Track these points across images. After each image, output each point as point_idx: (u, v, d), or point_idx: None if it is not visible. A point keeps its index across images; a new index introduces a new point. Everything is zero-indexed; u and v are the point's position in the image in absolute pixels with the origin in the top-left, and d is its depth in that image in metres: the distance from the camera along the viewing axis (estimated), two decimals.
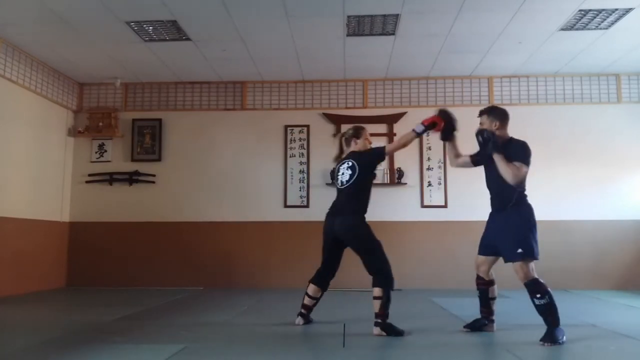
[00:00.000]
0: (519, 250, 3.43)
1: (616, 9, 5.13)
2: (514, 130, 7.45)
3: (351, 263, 7.05)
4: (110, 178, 7.17)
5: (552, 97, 7.08)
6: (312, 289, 4.09)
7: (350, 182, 3.86)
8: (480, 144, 3.78)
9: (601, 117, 6.98)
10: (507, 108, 7.39)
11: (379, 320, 3.64)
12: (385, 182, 7.00)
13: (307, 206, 7.07)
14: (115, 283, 6.89)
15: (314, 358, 3.12)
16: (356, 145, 4.01)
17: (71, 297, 6.13)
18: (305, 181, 7.09)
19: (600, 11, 5.18)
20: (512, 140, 3.78)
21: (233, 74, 7.06)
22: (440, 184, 7.01)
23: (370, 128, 7.18)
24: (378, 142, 7.16)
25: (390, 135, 7.10)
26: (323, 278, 4.10)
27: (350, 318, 4.39)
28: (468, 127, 7.43)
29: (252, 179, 7.16)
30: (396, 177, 7.01)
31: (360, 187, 3.88)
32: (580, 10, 5.16)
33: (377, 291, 3.69)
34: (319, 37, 5.82)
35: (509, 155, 3.64)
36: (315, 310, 4.23)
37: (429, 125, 3.89)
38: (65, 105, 7.11)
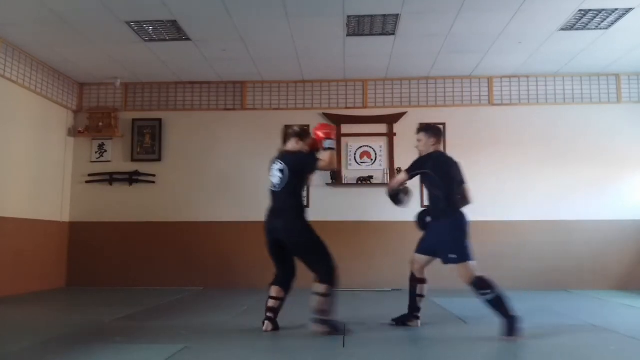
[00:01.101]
0: (453, 256, 3.70)
1: (616, 9, 5.13)
2: (514, 130, 7.54)
3: (351, 263, 7.06)
4: (110, 178, 7.17)
5: (552, 97, 7.08)
6: (274, 290, 3.88)
7: (282, 185, 3.78)
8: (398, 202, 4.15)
9: (601, 117, 6.98)
10: (507, 108, 7.49)
11: (320, 317, 3.64)
12: (385, 182, 6.98)
13: (307, 206, 7.05)
14: (115, 283, 6.90)
15: (314, 358, 3.12)
16: (296, 146, 3.89)
17: (71, 297, 6.13)
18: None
19: (600, 11, 5.18)
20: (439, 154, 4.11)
21: (233, 74, 7.06)
22: None
23: (370, 128, 7.26)
24: (379, 142, 7.23)
25: (390, 135, 7.11)
26: (283, 280, 3.89)
27: (350, 318, 4.39)
28: (468, 127, 7.49)
29: (252, 179, 7.15)
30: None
31: (294, 187, 3.80)
32: (580, 10, 5.16)
33: (322, 288, 3.64)
34: (319, 37, 5.82)
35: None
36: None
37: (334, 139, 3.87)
38: (65, 105, 7.11)
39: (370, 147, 7.13)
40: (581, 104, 7.04)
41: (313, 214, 6.97)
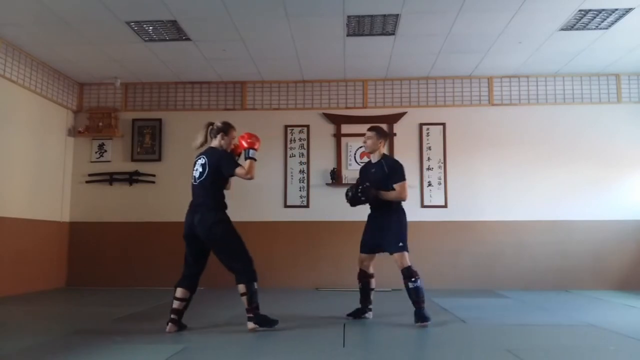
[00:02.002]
0: (400, 244, 4.15)
1: (616, 9, 5.13)
2: (514, 130, 7.54)
3: (351, 263, 7.05)
4: (110, 178, 7.17)
5: (552, 97, 7.08)
6: (180, 292, 3.85)
7: (201, 179, 3.80)
8: (360, 199, 4.26)
9: (601, 117, 6.98)
10: (507, 108, 7.49)
11: (251, 315, 3.73)
12: None
13: (307, 206, 7.07)
14: (115, 283, 6.90)
15: (314, 358, 3.12)
16: (221, 141, 3.91)
17: (71, 297, 6.13)
18: (305, 181, 7.09)
19: (600, 11, 5.18)
20: (385, 156, 4.40)
21: (233, 74, 7.06)
22: (440, 184, 7.01)
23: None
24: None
25: (390, 135, 7.10)
26: (190, 280, 3.86)
27: (351, 318, 4.39)
28: (468, 127, 7.48)
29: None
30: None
31: (212, 183, 3.81)
32: (580, 10, 5.16)
33: (242, 287, 3.71)
34: (319, 37, 5.82)
35: (387, 176, 4.23)
36: (316, 310, 4.22)
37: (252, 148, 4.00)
38: (65, 105, 7.11)
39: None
40: (581, 104, 7.04)
41: (313, 214, 7.04)
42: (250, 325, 3.72)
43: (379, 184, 4.21)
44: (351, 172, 7.03)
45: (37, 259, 6.42)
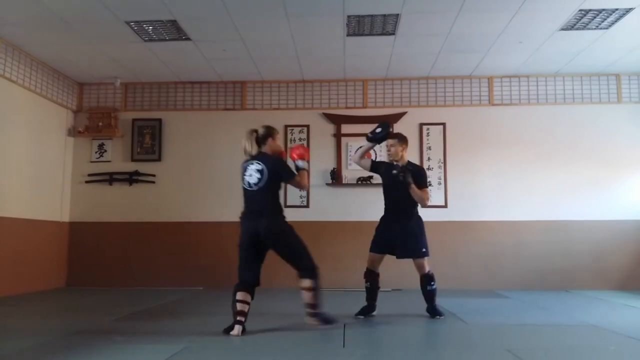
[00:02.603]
0: (423, 250, 4.43)
1: (616, 9, 5.13)
2: (514, 130, 7.53)
3: (351, 263, 7.04)
4: (110, 178, 7.17)
5: (552, 97, 7.08)
6: (241, 294, 3.77)
7: (260, 185, 3.81)
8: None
9: (601, 117, 6.98)
10: (507, 108, 7.48)
11: (313, 311, 3.78)
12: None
13: (307, 206, 7.07)
14: (115, 283, 6.89)
15: (314, 358, 3.12)
16: (270, 146, 3.96)
17: (71, 297, 6.13)
18: None
19: (600, 11, 5.18)
20: (410, 164, 4.57)
21: (233, 74, 7.06)
22: (440, 184, 7.01)
23: (370, 128, 7.17)
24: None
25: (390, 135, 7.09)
26: (252, 286, 3.81)
27: (351, 318, 4.39)
28: (468, 127, 7.48)
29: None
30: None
31: (273, 188, 3.87)
32: (580, 10, 5.16)
33: (310, 282, 3.75)
34: (319, 37, 5.82)
35: (417, 179, 4.40)
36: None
37: (307, 160, 4.18)
38: (65, 105, 7.11)
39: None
40: (581, 104, 7.04)
41: (313, 214, 7.04)
42: (311, 321, 3.78)
43: (403, 187, 4.36)
44: (351, 172, 7.03)
45: (37, 259, 6.42)
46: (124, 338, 3.58)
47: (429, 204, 7.09)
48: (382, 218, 4.59)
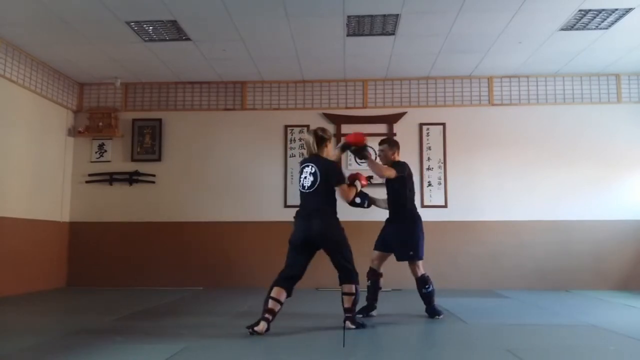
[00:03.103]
0: (411, 253, 4.37)
1: (616, 9, 5.13)
2: (514, 130, 7.52)
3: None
4: (110, 178, 7.17)
5: (552, 97, 7.08)
6: (277, 291, 3.80)
7: (314, 187, 3.88)
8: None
9: (601, 117, 6.98)
10: (507, 108, 7.48)
11: (351, 315, 3.85)
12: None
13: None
14: (115, 283, 6.90)
15: (314, 358, 3.12)
16: (326, 150, 4.02)
17: (71, 297, 6.13)
18: None
19: (600, 11, 5.18)
20: (394, 163, 4.58)
21: (233, 74, 7.06)
22: (440, 184, 7.01)
23: (370, 128, 7.24)
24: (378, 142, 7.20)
25: (390, 135, 7.10)
26: (292, 282, 3.88)
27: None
28: (468, 127, 7.48)
29: (252, 179, 7.16)
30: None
31: (326, 190, 3.92)
32: (580, 10, 5.16)
33: (351, 288, 3.84)
34: (319, 37, 5.82)
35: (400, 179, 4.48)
36: (316, 310, 4.22)
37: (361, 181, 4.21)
38: (65, 105, 7.11)
39: (370, 147, 7.10)
40: (581, 104, 7.04)
41: None
42: (350, 324, 3.82)
43: (395, 189, 4.49)
44: (351, 172, 7.02)
45: (37, 259, 6.42)
46: (124, 338, 3.58)
47: (431, 203, 7.20)
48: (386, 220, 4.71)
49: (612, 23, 5.43)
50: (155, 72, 6.96)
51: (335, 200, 3.98)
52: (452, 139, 7.06)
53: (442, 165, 7.03)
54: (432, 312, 4.42)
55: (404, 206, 4.48)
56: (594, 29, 5.59)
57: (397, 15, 5.26)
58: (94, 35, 5.72)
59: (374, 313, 4.52)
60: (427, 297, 4.41)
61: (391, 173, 4.38)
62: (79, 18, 5.30)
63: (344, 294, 3.87)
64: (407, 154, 6.98)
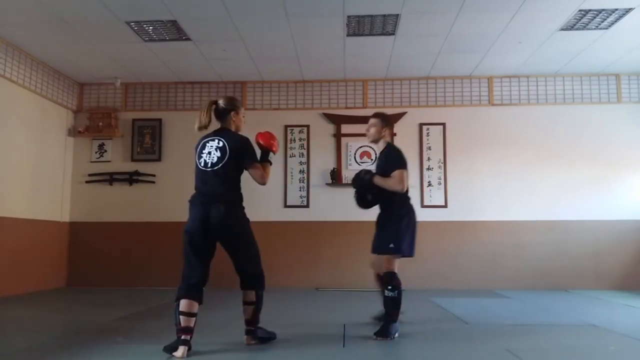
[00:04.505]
0: (391, 245, 3.65)
1: (616, 9, 5.13)
2: (514, 130, 7.52)
3: (351, 263, 7.04)
4: (110, 178, 7.17)
5: (552, 97, 7.09)
6: (186, 304, 3.13)
7: (219, 165, 3.21)
8: (359, 185, 3.90)
9: (601, 117, 6.98)
10: (507, 108, 7.48)
11: (252, 328, 3.31)
12: None
13: (307, 206, 7.07)
14: (115, 283, 6.90)
15: (314, 358, 3.12)
16: (232, 122, 3.39)
17: (71, 297, 6.13)
18: (305, 181, 7.09)
19: (600, 11, 5.18)
20: (388, 145, 3.92)
21: (233, 74, 7.06)
22: (440, 184, 7.01)
23: None
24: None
25: (390, 135, 7.09)
26: (197, 290, 3.18)
27: (350, 318, 4.39)
28: (468, 127, 7.48)
29: (252, 178, 7.14)
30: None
31: (233, 171, 3.25)
32: (580, 10, 5.16)
33: (252, 295, 3.26)
34: (319, 37, 5.82)
35: (385, 165, 3.80)
36: (315, 310, 4.20)
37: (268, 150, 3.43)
38: (65, 105, 7.11)
39: (370, 147, 7.12)
40: (581, 104, 7.05)
41: (313, 214, 7.04)
42: (251, 340, 3.32)
43: (382, 176, 3.77)
44: (351, 172, 7.01)
45: (37, 259, 6.42)
46: (124, 338, 3.58)
47: (431, 203, 7.21)
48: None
49: (612, 23, 5.43)
50: (155, 72, 6.96)
51: (240, 185, 3.31)
52: (452, 139, 7.06)
53: (442, 165, 7.03)
54: (382, 330, 3.56)
55: (392, 201, 3.79)
56: (594, 29, 5.59)
57: (397, 15, 5.26)
58: (94, 35, 5.72)
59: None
60: (385, 303, 3.63)
61: (402, 186, 3.70)
62: (79, 18, 5.30)
63: (244, 302, 3.28)
64: (407, 154, 6.95)
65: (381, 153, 3.92)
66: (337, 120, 7.17)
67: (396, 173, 3.70)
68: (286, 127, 7.22)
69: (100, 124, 7.20)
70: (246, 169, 3.33)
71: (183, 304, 3.13)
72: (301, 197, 7.07)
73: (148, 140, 7.28)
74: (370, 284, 6.82)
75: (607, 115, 6.98)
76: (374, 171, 3.89)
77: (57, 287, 6.85)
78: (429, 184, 7.02)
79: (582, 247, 6.76)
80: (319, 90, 7.31)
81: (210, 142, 3.33)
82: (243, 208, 3.33)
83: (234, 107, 3.40)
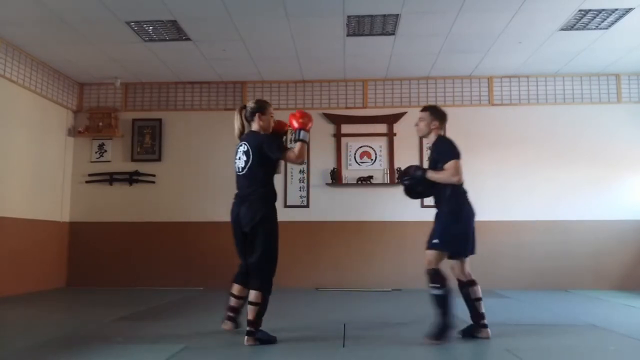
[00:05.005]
0: (435, 241, 3.51)
1: (616, 9, 5.13)
2: (514, 130, 7.52)
3: (351, 263, 7.05)
4: (110, 178, 7.17)
5: (552, 97, 7.08)
6: (237, 288, 3.64)
7: (247, 167, 3.43)
8: (407, 185, 3.72)
9: (601, 117, 6.98)
10: (507, 108, 7.47)
11: (253, 329, 3.34)
12: (385, 182, 6.99)
13: (307, 206, 7.07)
14: (115, 283, 6.89)
15: (314, 358, 3.12)
16: (259, 123, 3.53)
17: (71, 297, 6.13)
18: (305, 181, 7.09)
19: (600, 11, 5.18)
20: (439, 137, 3.74)
21: (233, 74, 7.06)
22: None
23: (370, 128, 7.25)
24: (378, 142, 7.24)
25: (390, 135, 7.11)
26: (246, 276, 3.54)
27: (350, 318, 4.39)
28: (468, 127, 7.47)
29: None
30: (396, 177, 7.00)
31: (259, 171, 3.43)
32: (580, 10, 5.16)
33: (257, 296, 3.32)
34: (319, 37, 5.82)
35: (437, 157, 3.65)
36: (315, 310, 4.21)
37: (303, 129, 3.49)
38: (65, 105, 7.11)
39: (370, 147, 7.13)
40: (581, 104, 7.04)
41: (313, 214, 7.04)
42: (250, 340, 3.33)
43: (434, 169, 3.63)
44: (351, 172, 7.03)
45: (37, 259, 6.42)
46: (124, 338, 3.58)
47: (431, 203, 7.15)
48: None
49: (612, 23, 5.43)
50: (155, 72, 6.96)
51: (271, 183, 3.47)
52: (452, 139, 7.04)
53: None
54: (439, 330, 3.42)
55: (444, 194, 3.65)
56: (594, 29, 5.59)
57: (397, 15, 5.26)
58: (94, 35, 5.72)
59: (484, 334, 3.54)
60: (435, 302, 3.47)
61: (458, 177, 3.58)
62: (79, 18, 5.30)
63: (249, 302, 3.36)
64: (407, 154, 7.01)
65: (433, 145, 3.75)
66: (337, 120, 7.17)
67: (450, 164, 3.55)
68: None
69: (100, 124, 7.20)
70: (279, 160, 3.52)
71: (233, 287, 3.69)
72: (301, 197, 7.07)
73: (148, 140, 7.28)
74: (371, 284, 6.86)
75: (607, 115, 6.98)
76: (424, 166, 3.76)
77: (57, 287, 6.85)
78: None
79: (582, 247, 6.76)
80: (319, 90, 7.31)
81: (239, 147, 3.57)
82: (273, 209, 3.50)
83: (258, 108, 3.57)
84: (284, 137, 3.85)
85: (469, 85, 7.18)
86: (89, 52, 6.22)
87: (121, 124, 7.30)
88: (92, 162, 7.27)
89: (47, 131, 6.77)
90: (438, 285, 3.42)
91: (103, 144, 7.29)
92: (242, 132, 3.63)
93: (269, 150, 3.42)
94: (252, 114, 3.56)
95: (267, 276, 3.40)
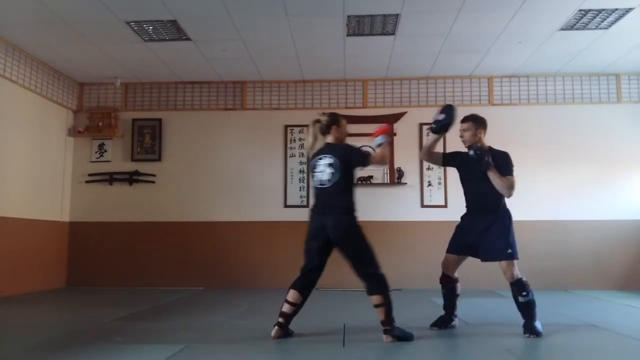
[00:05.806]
0: (509, 251, 3.68)
1: (616, 9, 5.13)
2: (514, 130, 7.52)
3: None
4: (110, 178, 7.17)
5: (552, 97, 7.08)
6: (293, 295, 3.60)
7: (334, 181, 3.52)
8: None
9: (601, 117, 6.98)
10: (507, 108, 7.48)
11: (389, 328, 3.44)
12: (385, 182, 6.99)
13: (307, 206, 7.05)
14: (115, 283, 6.89)
15: (314, 358, 3.12)
16: (336, 135, 3.70)
17: (71, 297, 6.13)
18: (305, 181, 7.09)
19: (600, 11, 5.18)
20: (492, 149, 3.83)
21: (233, 74, 7.06)
22: (440, 184, 7.01)
23: (370, 128, 7.19)
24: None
25: (390, 135, 7.10)
26: (309, 283, 3.66)
27: (350, 318, 4.39)
28: None
29: (252, 178, 7.15)
30: (396, 177, 7.01)
31: (346, 184, 3.55)
32: (580, 10, 5.16)
33: (377, 299, 3.43)
34: (319, 37, 5.82)
35: (500, 165, 3.72)
36: (315, 310, 4.20)
37: (388, 134, 3.74)
38: (65, 105, 7.11)
39: (370, 147, 7.10)
40: (581, 104, 7.04)
41: None
42: (389, 338, 3.42)
43: (484, 176, 3.69)
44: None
45: (37, 258, 6.42)
46: (124, 338, 3.58)
47: (431, 203, 7.22)
48: (463, 216, 3.99)
49: (612, 23, 5.43)
50: (155, 72, 6.96)
51: (354, 194, 3.59)
52: (452, 139, 7.02)
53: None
54: (531, 329, 3.60)
55: (500, 198, 3.74)
56: (594, 29, 5.59)
57: (397, 15, 5.26)
58: (94, 35, 5.72)
59: (455, 323, 4.01)
60: (524, 308, 3.71)
61: (512, 193, 3.68)
62: (79, 18, 5.30)
63: (374, 306, 3.45)
64: (407, 154, 7.01)
65: (493, 154, 3.77)
66: None
67: (512, 178, 3.69)
68: (286, 127, 7.21)
69: (100, 123, 7.20)
70: (365, 166, 3.66)
71: (289, 293, 3.61)
72: (301, 197, 7.07)
73: (148, 140, 7.28)
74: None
75: (607, 115, 6.98)
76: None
77: (57, 287, 6.85)
78: (429, 184, 7.02)
79: (583, 247, 6.76)
80: (319, 90, 7.31)
81: (320, 160, 3.61)
82: (356, 217, 3.57)
83: (334, 121, 3.72)
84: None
85: (469, 85, 7.18)
86: (89, 52, 6.22)
87: (121, 124, 7.30)
88: (92, 162, 7.27)
89: (47, 131, 6.77)
90: (525, 293, 3.75)
91: (103, 144, 7.29)
92: (313, 147, 3.73)
93: (356, 158, 3.58)
94: (329, 126, 3.70)
95: (378, 277, 3.48)
